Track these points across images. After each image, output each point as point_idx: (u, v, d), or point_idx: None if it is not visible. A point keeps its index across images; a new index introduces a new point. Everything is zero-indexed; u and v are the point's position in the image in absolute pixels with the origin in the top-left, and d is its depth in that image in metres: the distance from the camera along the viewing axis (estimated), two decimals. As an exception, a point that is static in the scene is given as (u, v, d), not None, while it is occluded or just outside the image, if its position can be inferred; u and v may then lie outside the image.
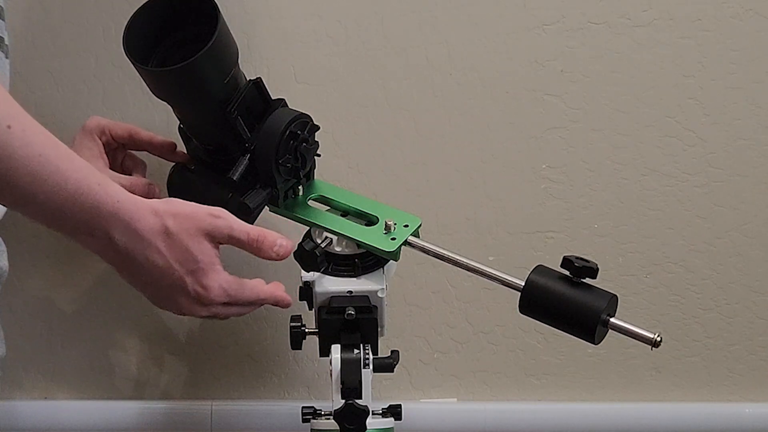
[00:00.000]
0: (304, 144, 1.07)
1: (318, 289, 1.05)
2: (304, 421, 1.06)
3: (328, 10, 1.26)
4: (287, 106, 1.10)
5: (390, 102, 1.27)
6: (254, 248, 0.96)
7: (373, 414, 1.03)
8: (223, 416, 1.30)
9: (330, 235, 1.08)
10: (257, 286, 0.98)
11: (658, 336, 0.93)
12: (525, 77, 1.26)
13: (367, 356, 1.02)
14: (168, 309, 0.96)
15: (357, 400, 1.01)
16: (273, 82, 1.11)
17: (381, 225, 1.08)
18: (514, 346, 1.30)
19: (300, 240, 1.07)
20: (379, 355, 1.05)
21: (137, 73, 1.02)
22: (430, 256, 1.06)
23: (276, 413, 1.30)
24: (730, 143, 1.27)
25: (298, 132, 1.06)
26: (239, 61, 1.05)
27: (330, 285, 1.06)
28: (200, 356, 1.31)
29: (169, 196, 1.11)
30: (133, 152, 1.19)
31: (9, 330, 1.10)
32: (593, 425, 1.30)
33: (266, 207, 1.09)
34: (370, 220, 1.10)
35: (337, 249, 1.07)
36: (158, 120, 1.24)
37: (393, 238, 1.06)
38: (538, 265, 0.98)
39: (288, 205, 1.11)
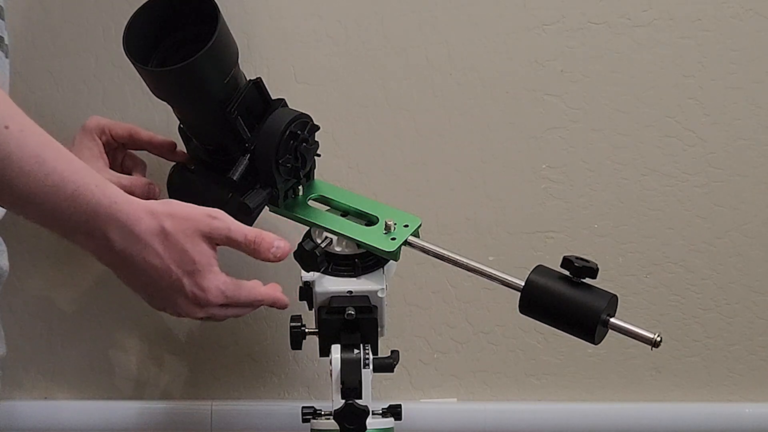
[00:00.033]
0: (304, 144, 1.07)
1: (318, 289, 1.05)
2: (304, 421, 1.06)
3: (328, 10, 1.26)
4: (287, 106, 1.10)
5: (390, 102, 1.27)
6: (252, 250, 0.96)
7: (373, 414, 1.03)
8: (223, 416, 1.30)
9: (330, 235, 1.08)
10: (254, 288, 0.98)
11: (658, 336, 0.93)
12: (525, 77, 1.26)
13: (367, 356, 1.02)
14: (165, 310, 0.95)
15: (357, 400, 1.01)
16: (273, 82, 1.11)
17: (381, 225, 1.08)
18: (514, 346, 1.30)
19: (300, 240, 1.07)
20: (379, 355, 1.05)
21: (137, 73, 1.02)
22: (430, 256, 1.06)
23: (276, 413, 1.30)
24: (730, 143, 1.27)
25: (298, 132, 1.06)
26: (239, 61, 1.05)
27: (330, 285, 1.06)
28: (200, 356, 1.31)
29: (169, 196, 1.11)
30: (133, 152, 1.19)
31: (9, 330, 1.10)
32: (593, 425, 1.30)
33: (266, 207, 1.09)
34: (370, 220, 1.10)
35: (337, 249, 1.07)
36: (158, 120, 1.24)
37: (393, 238, 1.06)
38: (538, 265, 0.98)
39: (288, 205, 1.11)
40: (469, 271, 1.03)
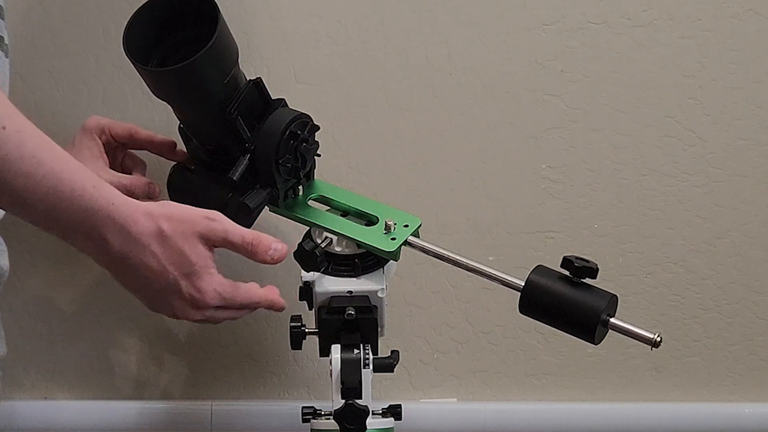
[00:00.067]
0: (304, 144, 1.07)
1: (318, 289, 1.05)
2: (304, 421, 1.06)
3: (328, 10, 1.26)
4: (287, 106, 1.10)
5: (390, 102, 1.27)
6: (249, 251, 0.95)
7: (373, 414, 1.03)
8: (223, 416, 1.30)
9: (330, 235, 1.08)
10: (251, 290, 0.97)
11: (658, 336, 0.93)
12: (525, 77, 1.26)
13: (367, 356, 1.02)
14: (162, 312, 0.95)
15: (357, 400, 1.01)
16: (273, 82, 1.11)
17: (381, 225, 1.08)
18: (514, 346, 1.30)
19: (300, 240, 1.07)
20: (379, 355, 1.05)
21: (137, 73, 1.02)
22: (430, 256, 1.06)
23: (276, 413, 1.30)
24: (730, 143, 1.27)
25: (298, 132, 1.06)
26: (239, 61, 1.05)
27: (330, 285, 1.06)
28: (200, 356, 1.31)
29: (169, 196, 1.12)
30: (133, 151, 1.19)
31: (9, 330, 1.10)
32: (593, 425, 1.30)
33: (266, 207, 1.09)
34: (370, 220, 1.10)
35: (337, 249, 1.07)
36: (158, 120, 1.24)
37: (393, 238, 1.06)
38: (538, 265, 0.98)
39: (288, 205, 1.11)
40: (469, 271, 1.03)
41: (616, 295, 0.96)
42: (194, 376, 1.32)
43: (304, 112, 1.08)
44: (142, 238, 0.88)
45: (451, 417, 1.30)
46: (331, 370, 1.02)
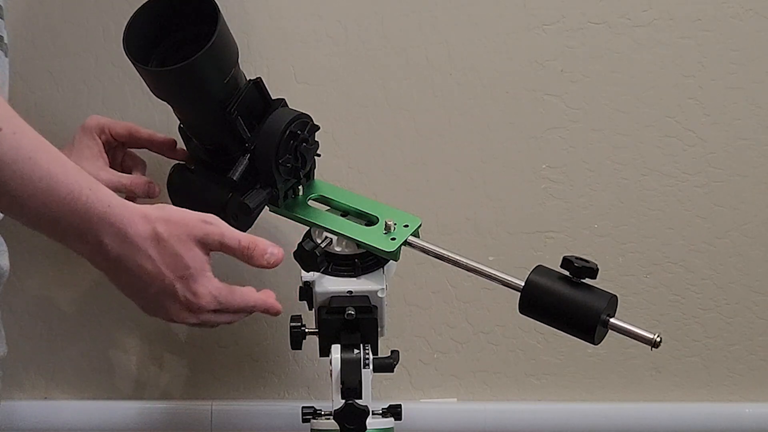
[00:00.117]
0: (304, 144, 1.07)
1: (318, 289, 1.05)
2: (304, 421, 1.06)
3: (328, 10, 1.26)
4: (287, 106, 1.10)
5: (390, 102, 1.27)
6: (245, 255, 0.94)
7: (373, 414, 1.03)
8: (223, 416, 1.30)
9: (330, 235, 1.08)
10: (247, 293, 0.97)
11: (658, 336, 0.93)
12: (525, 77, 1.26)
13: (367, 356, 1.02)
14: (158, 316, 0.94)
15: (357, 400, 1.01)
16: (273, 82, 1.11)
17: (381, 225, 1.08)
18: (514, 346, 1.30)
19: (300, 240, 1.07)
20: (379, 355, 1.05)
21: (137, 73, 1.02)
22: (430, 256, 1.06)
23: (276, 413, 1.30)
24: (730, 143, 1.27)
25: (298, 132, 1.06)
26: (239, 61, 1.05)
27: (330, 285, 1.06)
28: (200, 356, 1.31)
29: (169, 196, 1.11)
30: (133, 151, 1.19)
31: (9, 330, 1.10)
32: (593, 425, 1.30)
33: (266, 207, 1.09)
34: (370, 220, 1.10)
35: (337, 249, 1.07)
36: (158, 120, 1.24)
37: (393, 238, 1.06)
38: (538, 266, 0.98)
39: (288, 205, 1.11)
40: (469, 271, 1.03)
41: (615, 296, 0.96)
42: (194, 376, 1.32)
43: (304, 112, 1.08)
44: (138, 240, 0.88)
45: (451, 417, 1.30)
46: (331, 370, 1.02)
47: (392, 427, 1.07)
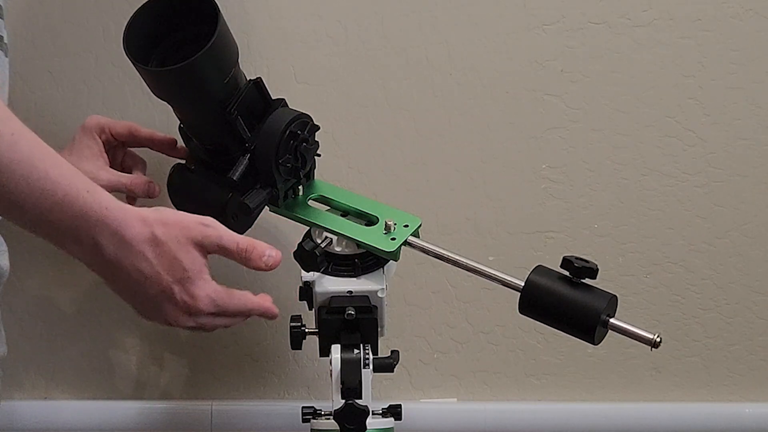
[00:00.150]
0: (304, 144, 1.07)
1: (318, 289, 1.05)
2: (304, 421, 1.06)
3: (328, 10, 1.26)
4: (287, 106, 1.10)
5: (390, 102, 1.27)
6: (243, 258, 0.94)
7: (373, 414, 1.03)
8: (223, 416, 1.30)
9: (330, 235, 1.08)
10: (245, 297, 0.96)
11: (658, 337, 0.93)
12: (525, 77, 1.26)
13: (367, 356, 1.02)
14: (155, 320, 0.93)
15: (357, 400, 1.01)
16: (273, 82, 1.11)
17: (381, 225, 1.08)
18: (514, 346, 1.30)
19: (300, 240, 1.07)
20: (379, 355, 1.05)
21: (137, 73, 1.02)
22: (430, 256, 1.06)
23: (276, 413, 1.30)
24: (730, 143, 1.27)
25: (298, 132, 1.06)
26: (239, 61, 1.05)
27: (330, 285, 1.06)
28: (200, 356, 1.31)
29: (169, 196, 1.11)
30: (133, 150, 1.19)
31: (9, 330, 1.10)
32: (593, 425, 1.30)
33: (266, 207, 1.09)
34: (370, 220, 1.10)
35: (337, 249, 1.07)
36: (158, 120, 1.24)
37: (393, 238, 1.06)
38: (538, 266, 0.98)
39: (288, 205, 1.11)
40: (469, 271, 1.03)
41: (615, 296, 0.96)
42: (194, 376, 1.32)
43: (304, 112, 1.08)
44: (135, 243, 0.87)
45: (451, 417, 1.30)
46: (331, 370, 1.02)
47: (392, 427, 1.07)
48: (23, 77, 1.25)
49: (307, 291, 1.06)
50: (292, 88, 1.25)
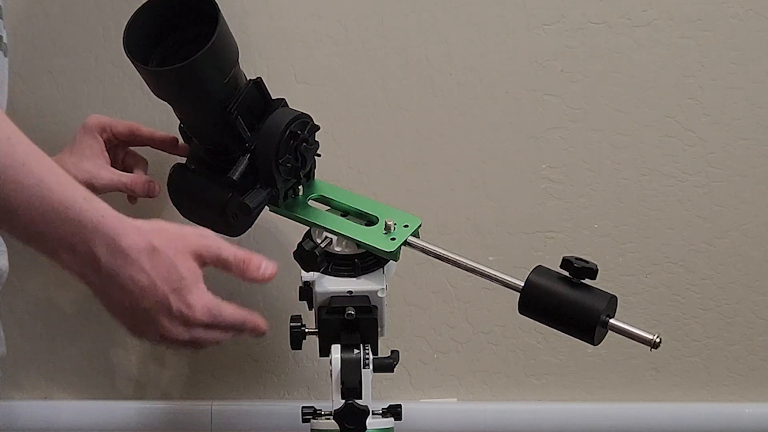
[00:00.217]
0: (304, 144, 1.07)
1: (318, 289, 1.05)
2: (304, 421, 1.06)
3: (328, 10, 1.26)
4: (287, 106, 1.10)
5: (390, 102, 1.27)
6: (240, 269, 0.91)
7: (373, 414, 1.03)
8: (223, 416, 1.30)
9: (330, 235, 1.08)
10: (238, 309, 0.93)
11: (658, 337, 0.93)
12: (525, 77, 1.26)
13: (367, 356, 1.02)
14: (146, 336, 0.90)
15: (357, 400, 1.01)
16: (273, 82, 1.11)
17: (381, 225, 1.08)
18: (514, 346, 1.30)
19: (300, 240, 1.07)
20: (379, 355, 1.05)
21: (137, 73, 1.02)
22: (430, 256, 1.06)
23: (276, 413, 1.30)
24: (730, 143, 1.27)
25: (298, 132, 1.06)
26: (239, 61, 1.05)
27: (330, 285, 1.06)
28: (200, 356, 1.31)
29: (170, 196, 1.11)
30: (134, 150, 1.19)
31: (9, 330, 1.10)
32: (593, 425, 1.30)
33: (266, 207, 1.09)
34: (370, 220, 1.10)
35: (337, 249, 1.07)
36: (158, 119, 1.24)
37: (393, 238, 1.06)
38: (538, 266, 0.98)
39: (288, 205, 1.11)
40: (469, 271, 1.03)
41: (615, 296, 0.96)
42: (194, 376, 1.32)
43: (304, 112, 1.08)
44: (131, 252, 0.85)
45: (451, 417, 1.30)
46: (331, 370, 1.02)
47: (392, 427, 1.07)
48: (23, 77, 1.25)
49: (307, 291, 1.06)
50: (292, 88, 1.25)
